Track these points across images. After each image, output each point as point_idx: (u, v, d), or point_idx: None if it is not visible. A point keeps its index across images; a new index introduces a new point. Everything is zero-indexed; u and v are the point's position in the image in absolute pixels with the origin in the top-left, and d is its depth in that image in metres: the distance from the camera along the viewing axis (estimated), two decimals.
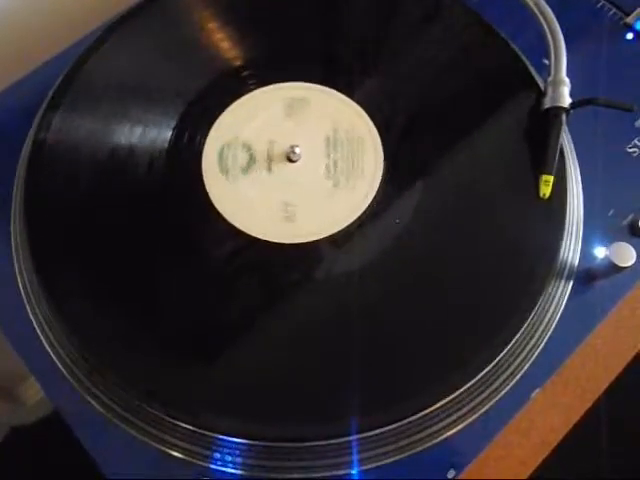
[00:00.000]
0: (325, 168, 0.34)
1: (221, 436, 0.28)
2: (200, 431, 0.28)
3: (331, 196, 0.33)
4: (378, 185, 0.33)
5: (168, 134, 0.34)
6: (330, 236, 0.32)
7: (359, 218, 0.32)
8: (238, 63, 0.36)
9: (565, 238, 0.31)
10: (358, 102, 0.35)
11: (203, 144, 0.34)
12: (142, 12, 0.37)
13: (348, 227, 0.32)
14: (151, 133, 0.34)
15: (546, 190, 0.32)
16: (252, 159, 0.34)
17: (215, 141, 0.34)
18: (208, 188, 0.33)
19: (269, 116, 0.35)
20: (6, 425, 0.71)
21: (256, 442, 0.28)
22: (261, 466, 0.28)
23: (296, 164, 0.33)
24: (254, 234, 0.32)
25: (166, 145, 0.34)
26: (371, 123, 0.35)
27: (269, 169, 0.33)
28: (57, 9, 0.43)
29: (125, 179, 0.33)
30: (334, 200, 0.33)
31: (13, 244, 0.33)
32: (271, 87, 0.35)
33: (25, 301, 0.32)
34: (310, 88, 0.36)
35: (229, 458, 0.29)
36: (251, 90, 0.35)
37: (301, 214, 0.32)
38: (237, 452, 0.28)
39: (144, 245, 0.32)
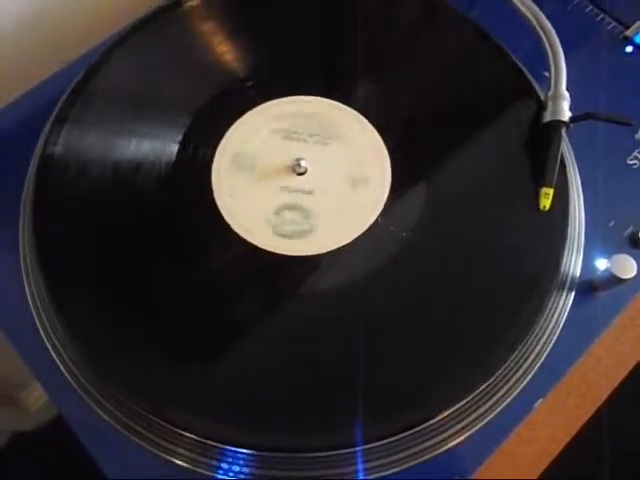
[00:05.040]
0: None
1: (224, 446, 0.28)
2: (204, 441, 0.28)
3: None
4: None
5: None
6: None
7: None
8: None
9: (566, 250, 0.32)
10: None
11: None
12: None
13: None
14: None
15: (546, 202, 0.32)
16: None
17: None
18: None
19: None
20: (8, 431, 0.71)
21: (260, 453, 0.28)
22: (266, 476, 0.29)
23: (303, 176, 0.34)
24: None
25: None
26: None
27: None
28: (63, 22, 0.44)
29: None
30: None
31: (21, 255, 0.33)
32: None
33: (32, 309, 0.32)
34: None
35: (233, 468, 0.29)
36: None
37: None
38: (241, 462, 0.29)
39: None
